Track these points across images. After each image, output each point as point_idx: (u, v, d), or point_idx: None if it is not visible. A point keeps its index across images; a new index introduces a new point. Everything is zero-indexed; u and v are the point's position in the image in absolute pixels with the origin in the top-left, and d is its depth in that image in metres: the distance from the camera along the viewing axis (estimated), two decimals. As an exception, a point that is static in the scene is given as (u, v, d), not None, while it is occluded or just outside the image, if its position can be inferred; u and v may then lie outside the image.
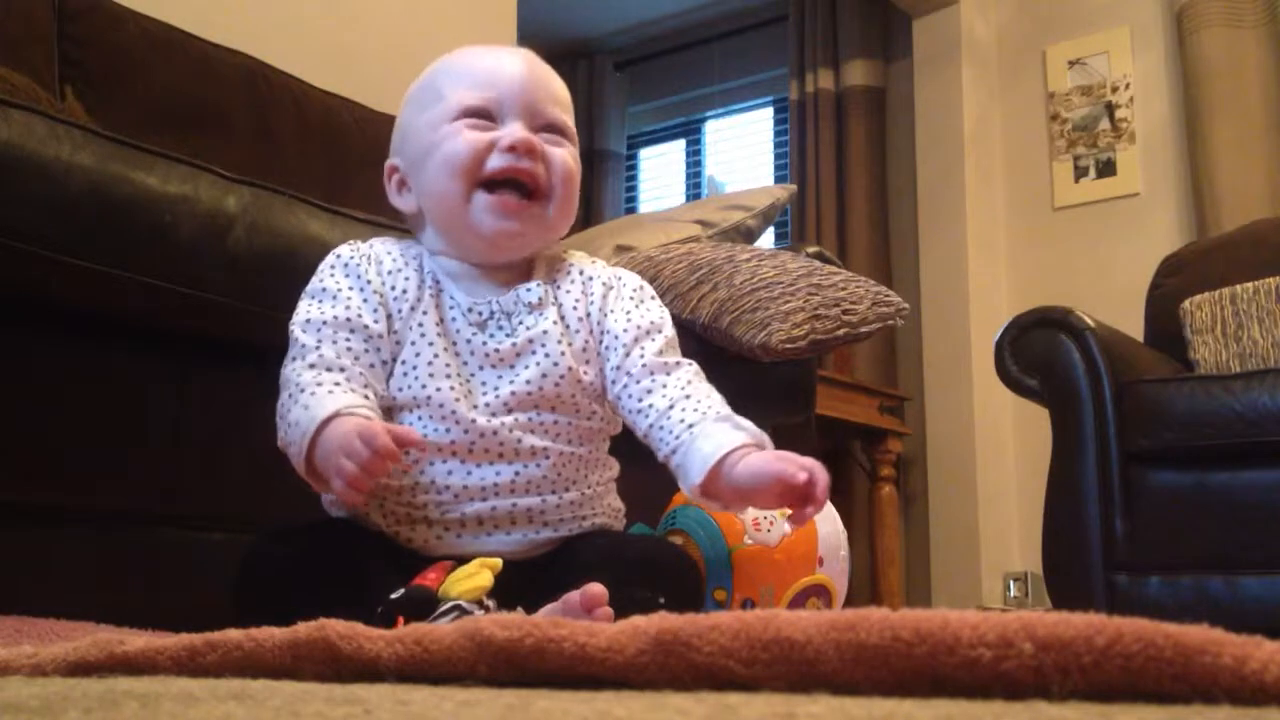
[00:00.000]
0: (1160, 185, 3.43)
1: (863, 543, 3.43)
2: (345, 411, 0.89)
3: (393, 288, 1.01)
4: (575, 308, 1.04)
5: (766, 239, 2.74)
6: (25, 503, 1.15)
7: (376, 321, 0.98)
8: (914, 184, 3.80)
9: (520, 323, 1.01)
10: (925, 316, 3.62)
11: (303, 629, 0.56)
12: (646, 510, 1.18)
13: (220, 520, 1.28)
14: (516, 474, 0.97)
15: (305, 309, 0.99)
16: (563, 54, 4.70)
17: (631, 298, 1.06)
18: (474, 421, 0.96)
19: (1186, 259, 2.65)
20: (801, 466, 0.89)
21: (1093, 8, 3.61)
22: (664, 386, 0.99)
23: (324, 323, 0.97)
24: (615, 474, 1.08)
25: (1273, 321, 2.27)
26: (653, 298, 1.08)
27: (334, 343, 0.96)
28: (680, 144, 4.91)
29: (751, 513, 1.12)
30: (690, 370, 1.02)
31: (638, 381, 1.00)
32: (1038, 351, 2.15)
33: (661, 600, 0.85)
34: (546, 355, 1.00)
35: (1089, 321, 2.13)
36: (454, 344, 1.00)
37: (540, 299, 1.02)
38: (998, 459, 3.50)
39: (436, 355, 0.98)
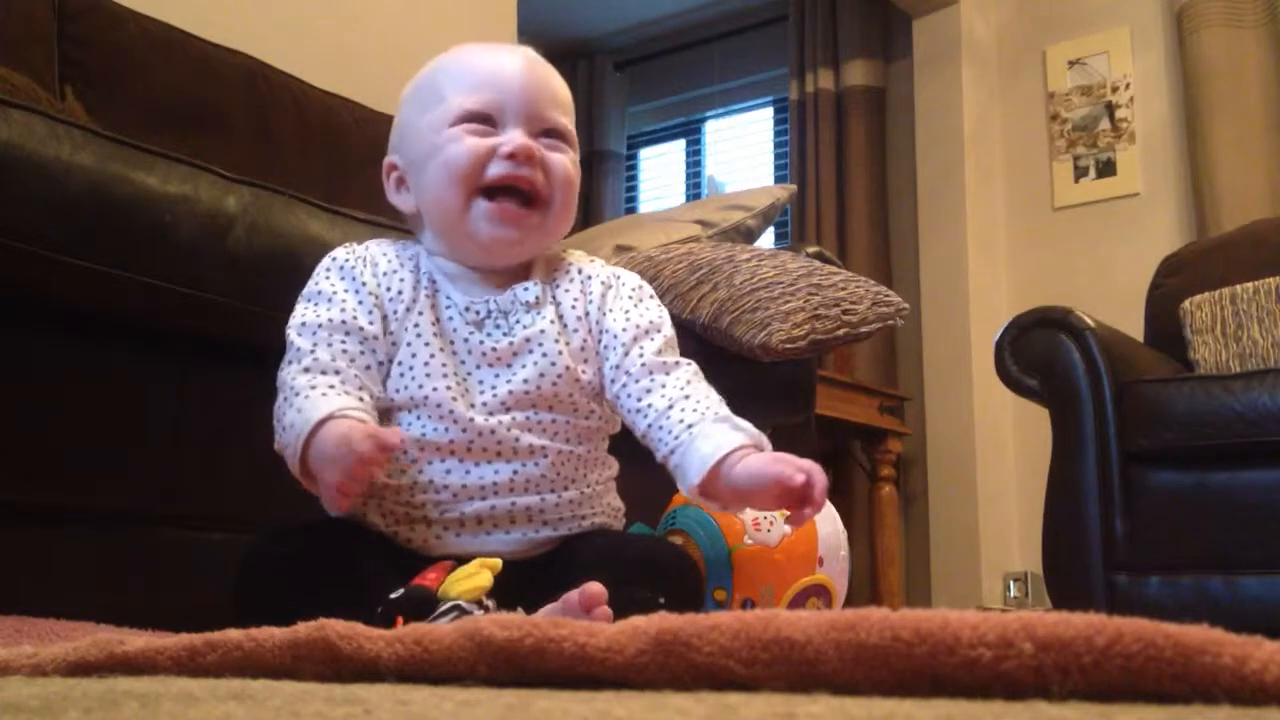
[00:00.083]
0: (1160, 185, 3.43)
1: (863, 543, 3.44)
2: (339, 414, 0.89)
3: (388, 289, 1.01)
4: (574, 307, 1.04)
5: (766, 239, 2.74)
6: (25, 503, 1.15)
7: (372, 323, 0.98)
8: (914, 184, 3.80)
9: (517, 321, 1.01)
10: (925, 316, 3.62)
11: (303, 629, 0.56)
12: (646, 510, 1.18)
13: (220, 520, 1.28)
14: (515, 473, 0.97)
15: (301, 312, 0.99)
16: (563, 54, 4.70)
17: (630, 297, 1.06)
18: (472, 420, 0.96)
19: (1186, 259, 2.65)
20: (799, 468, 0.89)
21: (1093, 8, 3.61)
22: (663, 386, 0.99)
23: (319, 326, 0.97)
24: (614, 473, 1.08)
25: (1273, 321, 2.27)
26: (651, 297, 1.08)
27: (329, 345, 0.96)
28: (680, 144, 4.92)
29: (751, 513, 1.12)
30: (689, 370, 1.02)
31: (637, 381, 1.00)
32: (1038, 351, 2.15)
33: (661, 600, 0.85)
34: (544, 354, 1.00)
35: (1089, 321, 2.13)
36: (451, 343, 1.00)
37: (537, 298, 1.02)
38: (998, 459, 3.50)
39: (433, 355, 0.98)
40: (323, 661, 0.55)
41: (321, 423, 0.88)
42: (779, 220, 3.25)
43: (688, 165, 4.86)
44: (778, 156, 4.50)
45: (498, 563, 0.86)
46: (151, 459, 1.24)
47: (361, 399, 0.94)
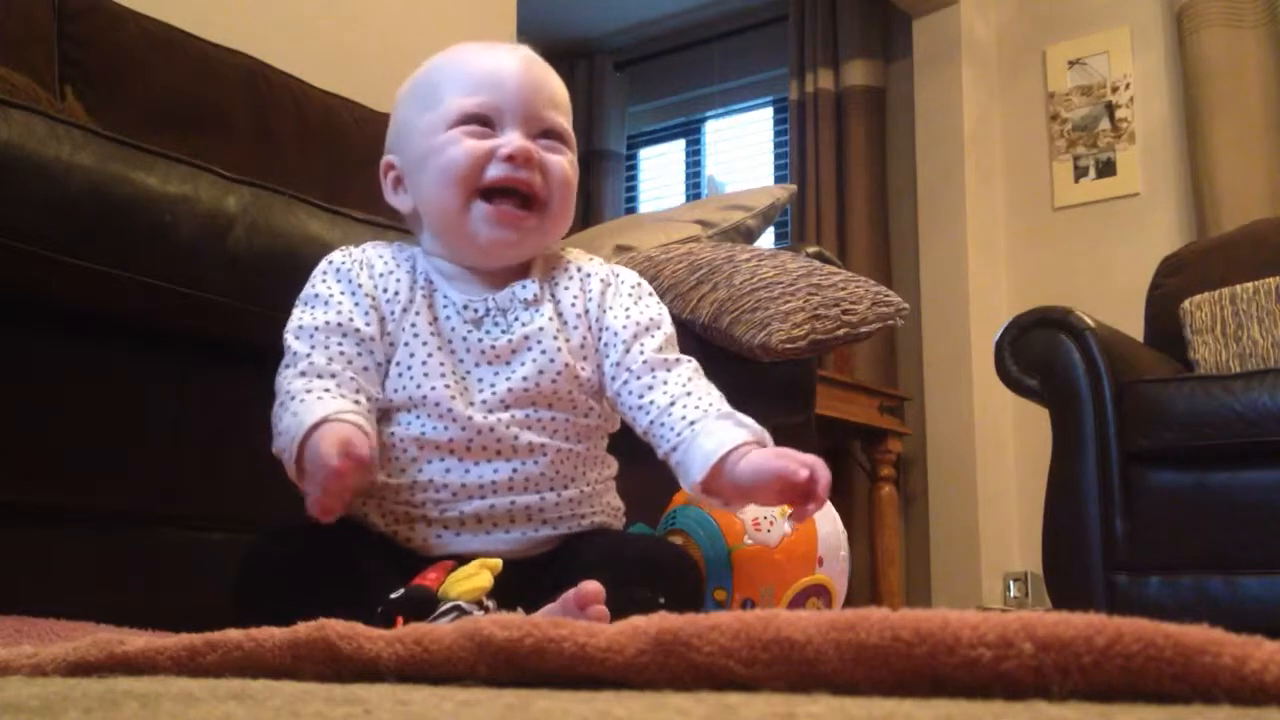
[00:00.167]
0: (1160, 185, 3.43)
1: (863, 543, 3.43)
2: (333, 417, 0.89)
3: (385, 290, 1.01)
4: (573, 304, 1.04)
5: (766, 239, 2.74)
6: (25, 503, 1.15)
7: (368, 325, 0.99)
8: (914, 184, 3.80)
9: (516, 319, 1.01)
10: (925, 316, 3.62)
11: (303, 629, 0.56)
12: (646, 510, 1.18)
13: (220, 520, 1.28)
14: (514, 471, 0.97)
15: (297, 316, 1.00)
16: (563, 54, 4.70)
17: (630, 294, 1.06)
18: (470, 419, 0.96)
19: (1186, 259, 2.65)
20: (803, 463, 0.89)
21: (1093, 8, 3.61)
22: (664, 383, 0.99)
23: (316, 328, 0.97)
24: (614, 472, 1.08)
25: (1273, 321, 2.27)
26: (650, 294, 1.08)
27: (326, 348, 0.96)
28: (680, 144, 4.92)
29: (751, 513, 1.12)
30: (690, 367, 1.02)
31: (638, 378, 1.00)
32: (1038, 351, 2.15)
33: (661, 600, 0.85)
34: (543, 351, 1.00)
35: (1089, 321, 2.13)
36: (449, 342, 1.00)
37: (536, 295, 1.02)
38: (998, 459, 3.50)
39: (430, 355, 0.98)
40: (323, 661, 0.55)
41: (315, 426, 0.88)
42: (779, 220, 3.25)
43: (688, 165, 4.86)
44: (778, 156, 4.50)
45: (498, 563, 0.86)
46: (151, 459, 1.24)
47: (357, 401, 0.94)
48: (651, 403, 0.98)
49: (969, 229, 3.58)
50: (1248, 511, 1.94)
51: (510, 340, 1.00)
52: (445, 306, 1.01)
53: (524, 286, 1.02)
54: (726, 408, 0.97)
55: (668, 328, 1.05)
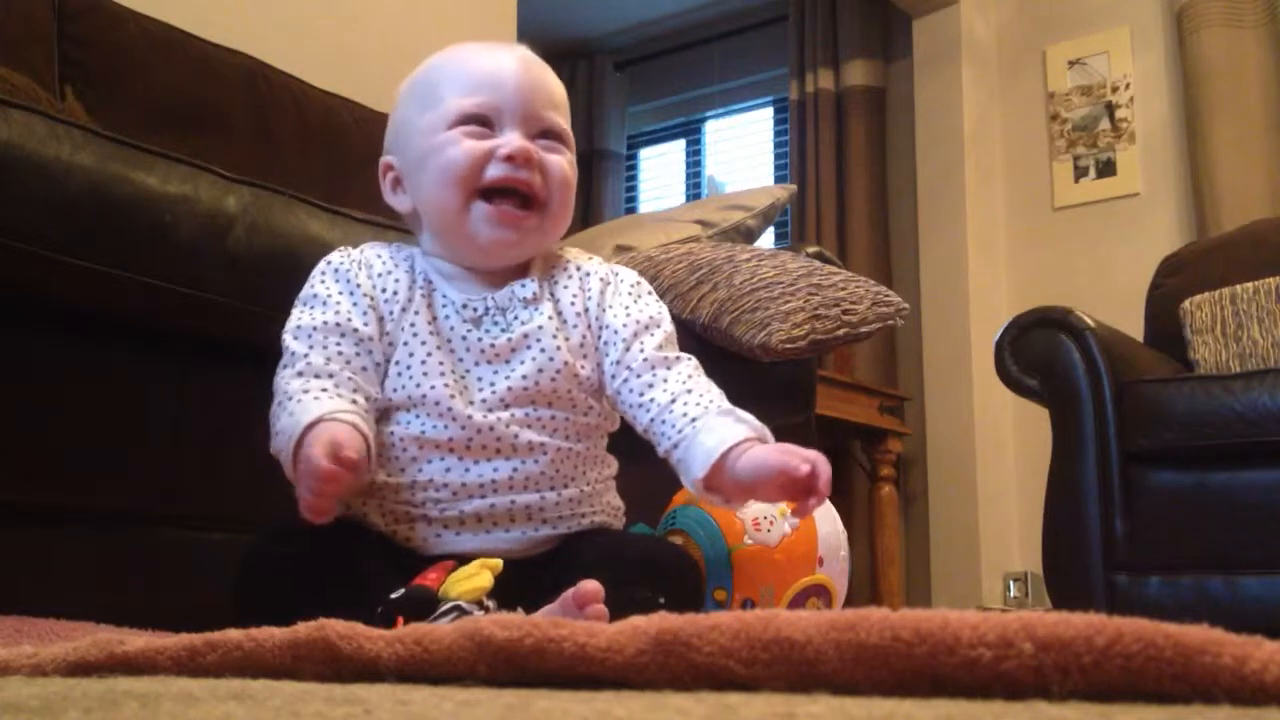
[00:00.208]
0: (1160, 185, 3.43)
1: (863, 543, 3.43)
2: (328, 417, 0.89)
3: (383, 290, 1.01)
4: (573, 303, 1.04)
5: (766, 239, 2.74)
6: (25, 503, 1.15)
7: (367, 324, 0.99)
8: (914, 184, 3.80)
9: (515, 318, 1.01)
10: (925, 316, 3.62)
11: (303, 629, 0.56)
12: (646, 509, 1.18)
13: (220, 520, 1.28)
14: (514, 470, 0.97)
15: (297, 316, 1.00)
16: (563, 54, 4.70)
17: (629, 293, 1.06)
18: (470, 418, 0.96)
19: (1186, 259, 2.65)
20: (804, 458, 0.89)
21: (1093, 8, 3.61)
22: (665, 381, 0.99)
23: (314, 329, 0.97)
24: (614, 471, 1.08)
25: (1273, 321, 2.27)
26: (650, 293, 1.08)
27: (324, 348, 0.96)
28: (680, 144, 4.92)
29: (751, 512, 1.12)
30: (690, 365, 1.02)
31: (638, 376, 1.00)
32: (1038, 351, 2.15)
33: (661, 600, 0.85)
34: (542, 350, 1.00)
35: (1089, 321, 2.13)
36: (449, 341, 1.00)
37: (535, 294, 1.02)
38: (998, 459, 3.50)
39: (430, 354, 0.98)
40: (323, 661, 0.55)
41: (311, 426, 0.88)
42: (779, 220, 3.25)
43: (688, 165, 4.86)
44: (778, 156, 4.50)
45: (498, 563, 0.86)
46: (151, 459, 1.24)
47: (355, 401, 0.94)
48: (652, 400, 0.98)
49: (969, 229, 3.58)
50: (1248, 511, 1.94)
51: (510, 339, 1.00)
52: (444, 306, 1.01)
53: (523, 285, 1.02)
54: (727, 405, 0.97)
55: (668, 326, 1.05)
